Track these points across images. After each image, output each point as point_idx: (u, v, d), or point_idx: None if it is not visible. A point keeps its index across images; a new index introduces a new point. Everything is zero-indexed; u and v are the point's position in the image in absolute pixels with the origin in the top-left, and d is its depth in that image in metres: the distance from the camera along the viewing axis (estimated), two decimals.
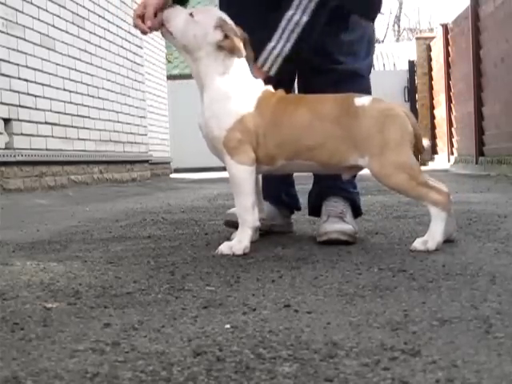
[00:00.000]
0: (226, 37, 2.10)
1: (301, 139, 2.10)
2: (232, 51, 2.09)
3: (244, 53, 2.12)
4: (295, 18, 2.19)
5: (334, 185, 2.47)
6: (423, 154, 2.24)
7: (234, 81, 2.13)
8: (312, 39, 2.25)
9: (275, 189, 2.62)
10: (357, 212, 2.55)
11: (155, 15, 2.18)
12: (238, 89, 2.12)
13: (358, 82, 2.46)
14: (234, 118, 2.10)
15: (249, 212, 2.11)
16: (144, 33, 2.24)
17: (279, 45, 2.19)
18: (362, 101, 2.09)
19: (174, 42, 2.19)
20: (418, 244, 2.06)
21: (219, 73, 2.13)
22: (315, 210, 2.59)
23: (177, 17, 2.16)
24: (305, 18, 2.19)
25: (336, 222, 2.33)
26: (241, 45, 2.10)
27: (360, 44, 2.50)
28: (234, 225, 2.32)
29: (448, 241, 2.14)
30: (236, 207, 2.16)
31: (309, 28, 2.20)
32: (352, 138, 2.06)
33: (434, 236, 2.05)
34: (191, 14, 2.14)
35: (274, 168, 2.18)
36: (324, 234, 2.28)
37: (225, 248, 2.10)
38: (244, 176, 2.11)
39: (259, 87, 2.16)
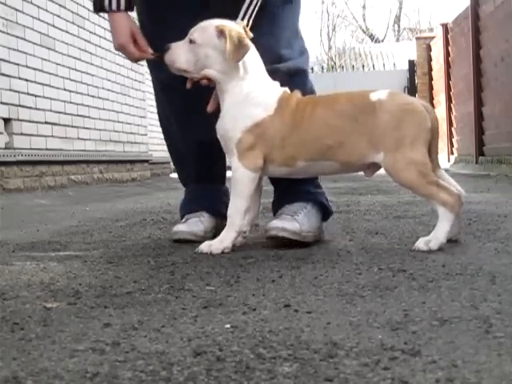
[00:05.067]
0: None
1: (320, 139, 2.09)
2: (237, 54, 2.04)
3: (250, 44, 2.07)
4: None
5: (292, 189, 2.37)
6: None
7: (254, 83, 2.13)
8: None
9: None
10: (325, 211, 2.42)
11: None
12: (258, 91, 2.12)
13: (304, 79, 2.35)
14: (253, 120, 2.10)
15: (239, 216, 2.12)
16: (139, 60, 2.37)
17: None
18: (378, 95, 2.08)
19: (190, 74, 2.16)
20: (420, 244, 2.05)
21: (238, 77, 2.11)
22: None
23: (180, 52, 2.12)
24: None
25: (281, 219, 2.23)
26: (241, 40, 2.03)
27: (293, 39, 2.35)
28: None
29: (451, 240, 2.14)
30: (229, 207, 2.16)
31: None
32: (369, 133, 2.05)
33: (438, 236, 2.04)
34: (191, 41, 2.11)
35: (294, 169, 2.15)
36: (265, 231, 2.23)
37: (204, 246, 2.13)
38: (246, 181, 2.12)
39: (278, 89, 2.15)
